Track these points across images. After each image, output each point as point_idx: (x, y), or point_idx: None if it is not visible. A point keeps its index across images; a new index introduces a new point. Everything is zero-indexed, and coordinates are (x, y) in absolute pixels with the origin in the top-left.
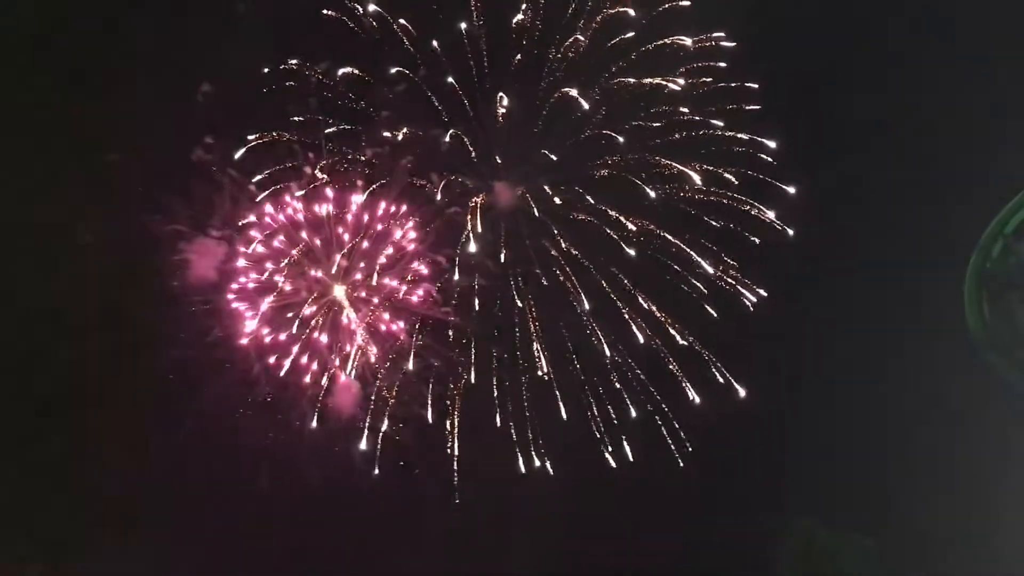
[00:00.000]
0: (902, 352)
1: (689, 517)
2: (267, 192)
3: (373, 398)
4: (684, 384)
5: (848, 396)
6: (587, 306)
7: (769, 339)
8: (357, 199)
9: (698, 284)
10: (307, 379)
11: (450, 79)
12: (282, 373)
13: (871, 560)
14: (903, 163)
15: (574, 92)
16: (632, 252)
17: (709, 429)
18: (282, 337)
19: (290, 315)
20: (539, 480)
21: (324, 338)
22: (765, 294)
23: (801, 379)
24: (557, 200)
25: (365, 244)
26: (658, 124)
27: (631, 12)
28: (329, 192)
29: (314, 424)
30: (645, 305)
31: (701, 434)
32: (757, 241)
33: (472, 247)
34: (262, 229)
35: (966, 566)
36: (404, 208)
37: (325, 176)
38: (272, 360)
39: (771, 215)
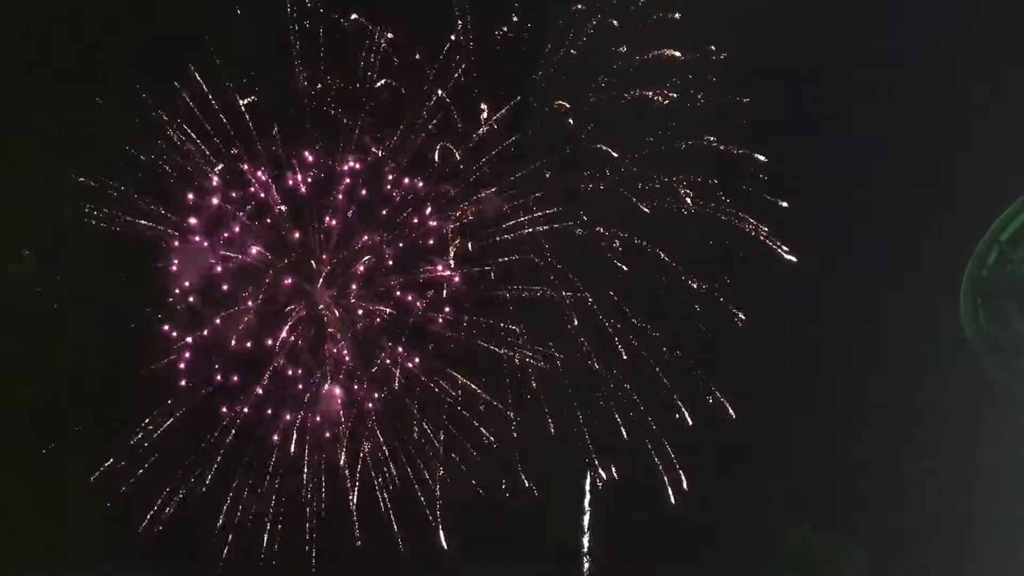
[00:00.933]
0: (899, 358)
1: (685, 521)
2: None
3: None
4: (675, 397)
5: (844, 402)
6: (576, 321)
7: (763, 346)
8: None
9: (688, 299)
10: (275, 437)
11: (439, 90)
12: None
13: (866, 566)
14: (897, 172)
15: (564, 104)
16: (624, 267)
17: (702, 436)
18: (236, 378)
19: (249, 344)
20: (525, 499)
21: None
22: (754, 311)
23: (797, 385)
24: (542, 214)
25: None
26: (649, 138)
27: (615, 23)
28: (308, 155)
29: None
30: (635, 321)
31: (695, 440)
32: (742, 255)
33: (456, 260)
34: (209, 213)
35: (961, 572)
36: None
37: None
38: (224, 408)
39: (764, 229)
